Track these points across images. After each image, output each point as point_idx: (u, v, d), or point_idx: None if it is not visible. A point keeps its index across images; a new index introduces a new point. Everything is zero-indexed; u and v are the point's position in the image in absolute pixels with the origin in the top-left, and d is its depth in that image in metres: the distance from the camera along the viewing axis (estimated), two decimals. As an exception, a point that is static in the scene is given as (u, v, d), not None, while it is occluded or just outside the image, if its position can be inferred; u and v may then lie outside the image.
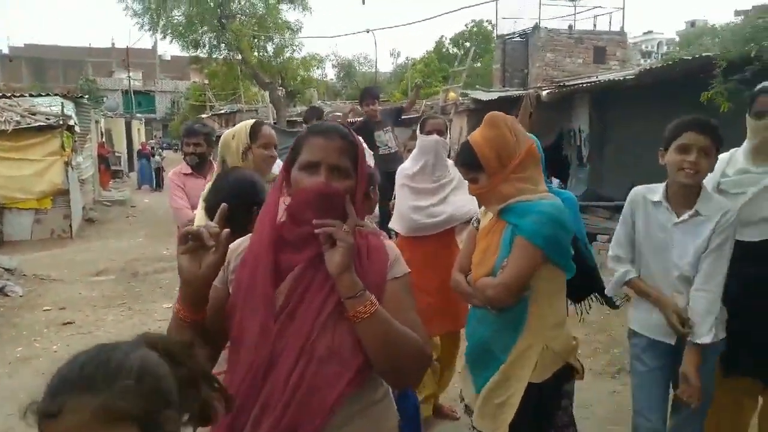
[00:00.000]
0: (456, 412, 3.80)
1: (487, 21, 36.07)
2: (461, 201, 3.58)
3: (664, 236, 2.39)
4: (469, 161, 2.24)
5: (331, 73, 36.13)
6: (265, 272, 1.42)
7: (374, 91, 6.57)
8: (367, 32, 28.14)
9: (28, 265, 8.53)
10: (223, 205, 1.36)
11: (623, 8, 15.82)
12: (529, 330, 2.16)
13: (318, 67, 24.90)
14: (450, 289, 3.35)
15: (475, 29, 36.06)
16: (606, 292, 2.64)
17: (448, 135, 3.81)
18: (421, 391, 3.51)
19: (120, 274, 8.52)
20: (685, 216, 2.34)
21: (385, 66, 41.97)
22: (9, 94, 12.13)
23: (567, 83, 9.16)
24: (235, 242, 1.57)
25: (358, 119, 6.15)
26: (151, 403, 0.91)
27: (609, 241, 3.01)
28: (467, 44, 35.75)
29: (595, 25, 16.30)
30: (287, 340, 1.39)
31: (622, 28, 15.92)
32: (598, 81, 8.69)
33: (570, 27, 15.93)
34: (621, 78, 8.07)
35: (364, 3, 25.25)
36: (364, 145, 5.09)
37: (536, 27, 14.93)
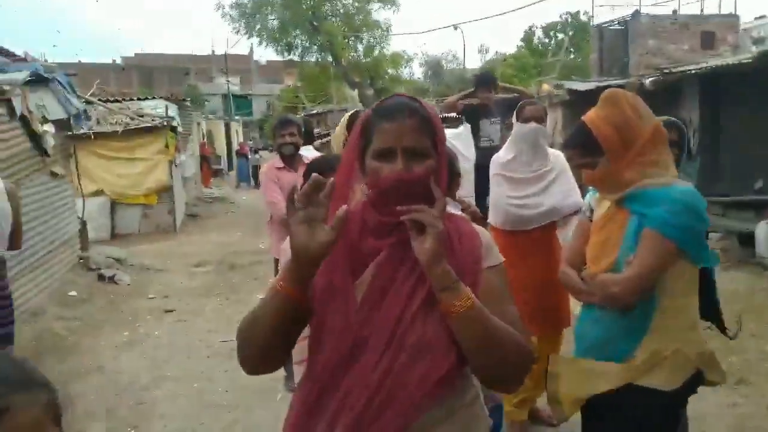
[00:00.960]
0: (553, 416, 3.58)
1: (584, 13, 34.65)
2: (564, 191, 3.36)
3: None
4: (585, 143, 2.01)
5: (418, 72, 35.99)
6: (343, 260, 1.31)
7: (490, 78, 5.89)
8: (455, 29, 27.88)
9: (135, 256, 9.07)
10: (332, 179, 1.20)
11: (736, -12, 14.66)
12: (658, 331, 1.91)
13: (406, 66, 24.94)
14: (550, 288, 3.16)
15: (570, 20, 34.70)
16: None
17: (548, 122, 3.57)
18: (516, 394, 3.28)
19: (218, 266, 8.87)
20: None
21: (474, 63, 41.27)
22: (120, 99, 13.01)
23: (674, 70, 8.52)
24: None
25: (470, 101, 5.56)
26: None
27: (723, 239, 2.73)
28: (560, 35, 34.53)
29: (702, 10, 15.16)
30: (373, 330, 1.27)
31: (735, 10, 14.74)
32: (710, 66, 8.01)
33: (674, 12, 14.89)
34: (736, 62, 7.37)
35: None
36: (467, 131, 4.83)
37: (637, 12, 14.06)
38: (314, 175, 1.21)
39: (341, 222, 1.20)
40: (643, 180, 1.91)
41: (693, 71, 8.38)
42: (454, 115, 5.80)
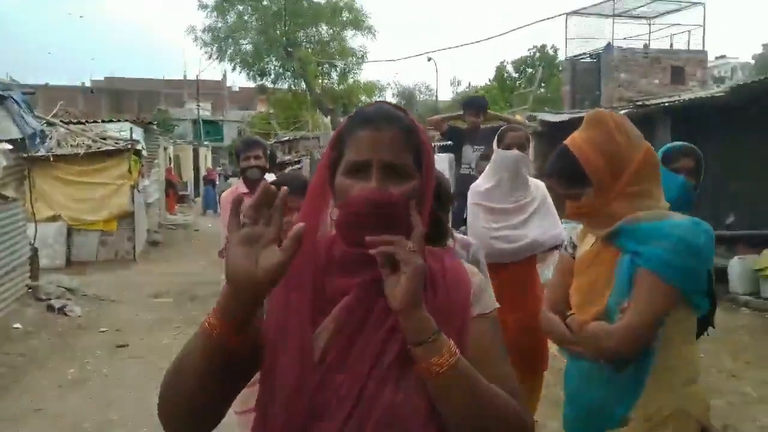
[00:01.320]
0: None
1: (550, 47, 35.45)
2: (546, 224, 3.13)
3: None
4: (569, 172, 1.75)
5: (391, 101, 36.27)
6: (302, 304, 1.04)
7: (480, 102, 5.42)
8: (429, 60, 28.17)
9: (89, 286, 8.57)
10: (284, 188, 0.93)
11: (704, 26, 14.96)
12: (657, 388, 1.67)
13: (379, 95, 24.99)
14: (528, 328, 2.88)
15: (538, 54, 35.49)
16: None
17: (530, 149, 3.33)
18: None
19: (178, 297, 8.43)
20: None
21: (446, 94, 41.79)
22: (84, 120, 12.56)
23: (647, 102, 8.53)
24: None
25: (454, 124, 5.16)
26: None
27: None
28: (530, 70, 35.23)
29: (671, 45, 15.47)
30: (333, 395, 0.99)
31: (703, 46, 15.04)
32: (684, 100, 8.02)
33: (645, 46, 15.16)
34: (709, 96, 7.38)
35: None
36: (450, 158, 4.55)
37: (609, 46, 14.27)
38: (263, 183, 0.94)
39: (295, 242, 0.91)
40: (634, 213, 1.67)
41: (666, 104, 8.39)
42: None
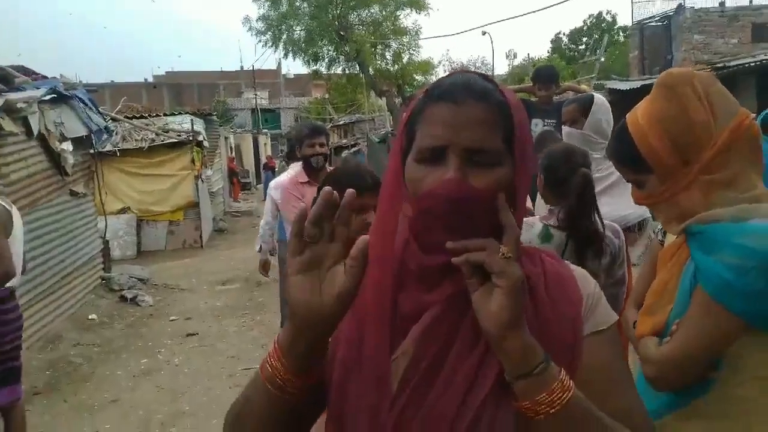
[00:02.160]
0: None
1: (607, 12, 33.98)
2: (616, 202, 2.80)
3: None
4: (626, 156, 1.41)
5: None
6: (379, 325, 0.83)
7: (551, 72, 4.88)
8: (483, 34, 27.42)
9: (159, 275, 8.78)
10: (350, 191, 0.75)
11: (787, -24, 13.77)
12: (721, 419, 1.28)
13: (432, 73, 24.54)
14: None
15: (594, 22, 34.09)
16: None
17: (587, 121, 2.97)
18: None
19: (244, 283, 8.52)
20: None
21: (501, 68, 40.63)
22: (146, 114, 12.88)
23: (728, 64, 7.87)
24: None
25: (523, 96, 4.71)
26: None
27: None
28: (585, 39, 33.88)
29: (751, 0, 14.30)
30: None
31: (787, -1, 13.84)
32: (769, 58, 7.35)
33: (721, 3, 14.07)
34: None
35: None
36: None
37: (680, 7, 13.32)
38: (325, 189, 0.74)
39: (361, 261, 0.73)
40: (709, 207, 1.28)
41: (748, 65, 7.71)
42: None
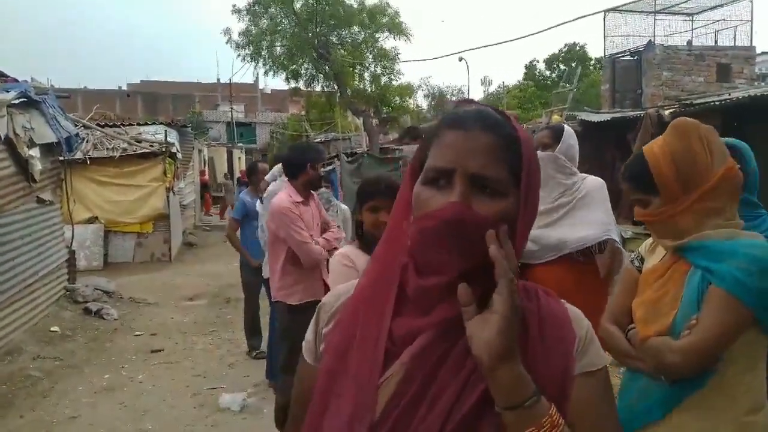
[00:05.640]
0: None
1: (579, 46, 34.92)
2: (579, 223, 2.85)
3: None
4: (639, 177, 1.73)
5: (422, 103, 35.96)
6: (371, 348, 0.86)
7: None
8: (460, 60, 27.83)
9: (126, 288, 8.60)
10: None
11: (751, 20, 14.31)
12: (713, 411, 1.58)
13: (411, 97, 24.78)
14: None
15: (567, 52, 34.96)
16: None
17: (558, 146, 3.04)
18: None
19: (213, 299, 8.40)
20: None
21: (476, 95, 41.23)
22: (119, 123, 12.69)
23: (695, 102, 8.15)
24: (335, 289, 1.04)
25: None
26: None
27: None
28: (562, 66, 34.65)
29: (716, 41, 14.86)
30: None
31: (750, 42, 14.39)
32: (734, 98, 7.63)
33: (689, 43, 14.60)
34: (766, 93, 6.99)
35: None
36: None
37: (650, 43, 13.76)
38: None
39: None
40: (703, 231, 1.63)
41: (715, 103, 8.00)
42: None
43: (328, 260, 3.78)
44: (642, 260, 1.89)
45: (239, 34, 20.22)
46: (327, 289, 3.74)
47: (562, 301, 0.95)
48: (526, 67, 36.98)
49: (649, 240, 1.90)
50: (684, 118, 1.74)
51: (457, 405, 0.81)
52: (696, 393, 1.58)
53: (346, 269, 2.26)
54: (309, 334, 0.99)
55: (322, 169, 4.22)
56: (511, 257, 0.81)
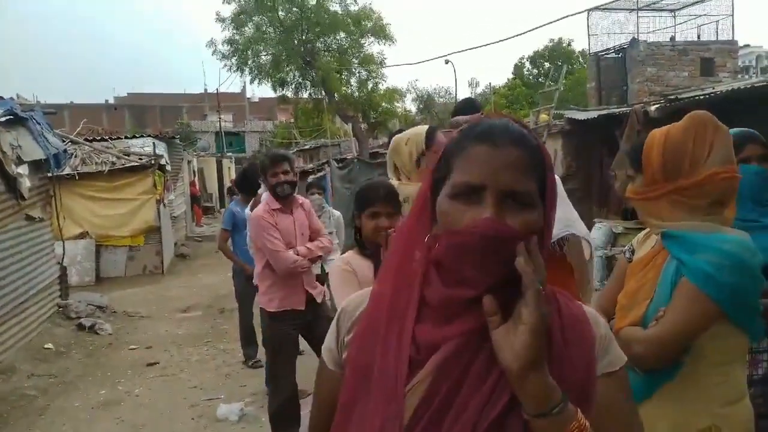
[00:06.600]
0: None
1: (566, 42, 35.06)
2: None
3: None
4: (634, 153, 1.80)
5: (410, 106, 36.01)
6: (394, 357, 0.87)
7: (476, 104, 4.67)
8: (446, 62, 27.92)
9: (119, 302, 8.55)
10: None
11: (732, 15, 14.46)
12: (685, 403, 1.57)
13: (399, 101, 24.81)
14: None
15: (552, 50, 35.07)
16: None
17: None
18: None
19: (207, 310, 8.37)
20: None
21: (464, 96, 41.43)
22: (107, 137, 12.63)
23: (680, 96, 8.22)
24: (353, 296, 1.04)
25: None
26: None
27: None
28: (547, 64, 34.80)
29: (699, 36, 15.02)
30: None
31: (732, 36, 14.56)
32: (718, 92, 7.70)
33: (672, 38, 14.74)
34: (749, 86, 7.06)
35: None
36: None
37: (634, 40, 13.89)
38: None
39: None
40: (675, 222, 1.64)
41: (700, 97, 8.06)
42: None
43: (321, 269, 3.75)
44: (633, 252, 1.89)
45: (223, 42, 20.19)
46: (309, 299, 3.75)
47: (579, 302, 0.96)
48: (515, 66, 37.09)
49: (642, 232, 1.91)
50: (702, 113, 1.70)
51: (484, 414, 0.82)
52: (666, 385, 1.58)
53: (346, 274, 2.26)
54: (330, 343, 1.00)
55: (315, 175, 4.22)
56: (540, 268, 0.82)
